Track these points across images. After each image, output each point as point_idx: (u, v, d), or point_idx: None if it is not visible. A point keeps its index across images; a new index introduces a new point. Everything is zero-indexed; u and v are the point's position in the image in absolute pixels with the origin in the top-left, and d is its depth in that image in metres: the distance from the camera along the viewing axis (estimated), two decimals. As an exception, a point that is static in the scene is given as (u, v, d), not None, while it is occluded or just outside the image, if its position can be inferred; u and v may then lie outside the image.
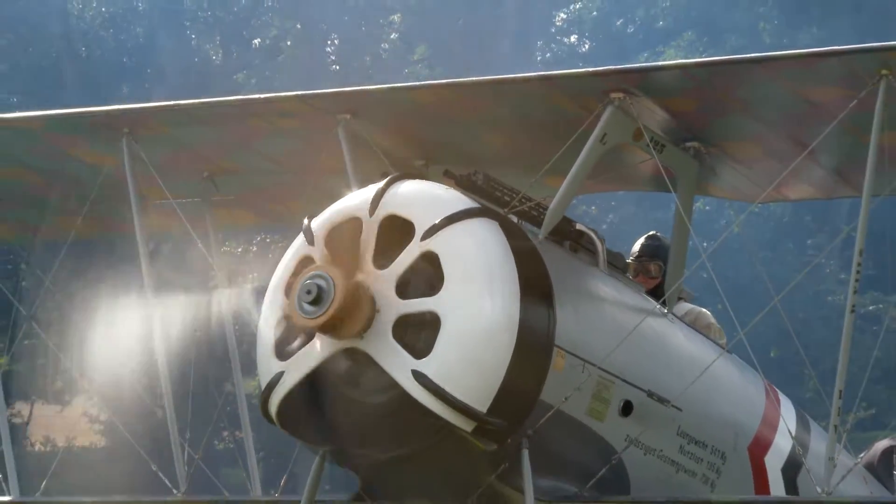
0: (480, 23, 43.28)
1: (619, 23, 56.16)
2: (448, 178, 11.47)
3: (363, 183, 11.62)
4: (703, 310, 13.20)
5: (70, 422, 48.49)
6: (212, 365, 13.39)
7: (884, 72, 11.25)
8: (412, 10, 44.24)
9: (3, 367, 14.82)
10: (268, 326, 11.36)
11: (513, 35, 45.63)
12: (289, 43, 47.55)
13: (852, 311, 11.74)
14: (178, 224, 13.33)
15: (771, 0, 49.10)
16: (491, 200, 11.46)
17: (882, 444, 15.36)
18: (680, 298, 12.96)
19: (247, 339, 12.55)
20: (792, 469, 12.87)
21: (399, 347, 10.85)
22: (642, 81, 12.01)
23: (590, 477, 11.54)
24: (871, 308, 45.55)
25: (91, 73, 47.18)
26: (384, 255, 11.01)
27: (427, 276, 10.95)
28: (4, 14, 49.36)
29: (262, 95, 12.81)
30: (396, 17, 51.22)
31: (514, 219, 11.48)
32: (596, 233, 12.29)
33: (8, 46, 48.37)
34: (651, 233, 13.86)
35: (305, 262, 11.12)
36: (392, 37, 48.36)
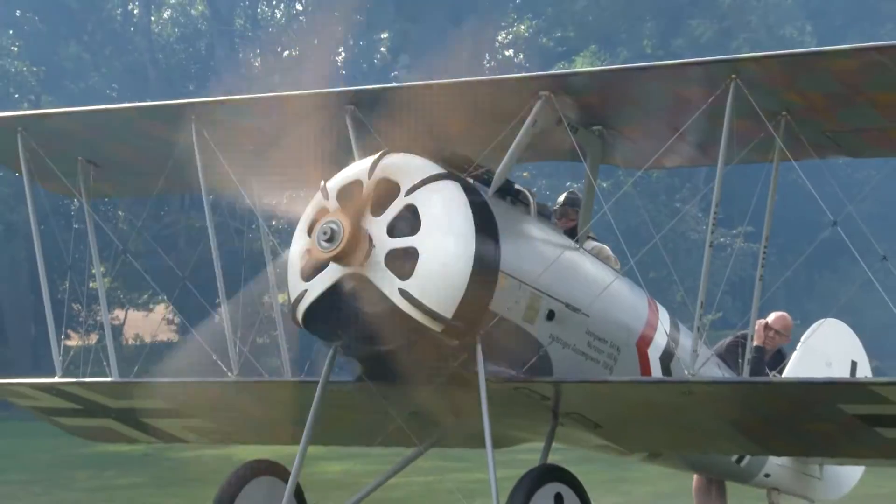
0: (445, 41, 43.14)
1: (542, 40, 55.94)
2: (425, 151, 11.46)
3: (364, 155, 11.64)
4: (605, 246, 13.20)
5: (153, 323, 48.47)
6: (255, 283, 13.33)
7: (732, 76, 11.28)
8: (396, 31, 44.06)
9: (106, 285, 14.71)
10: (295, 256, 11.37)
11: (468, 50, 45.47)
12: (309, 54, 47.44)
13: (711, 246, 11.80)
14: (231, 183, 13.30)
15: (650, 22, 48.93)
16: (455, 168, 11.45)
17: (727, 340, 15.44)
18: (588, 237, 12.96)
19: (279, 264, 12.52)
20: (667, 357, 12.91)
21: (389, 272, 10.88)
22: (562, 83, 12.04)
23: (524, 364, 11.56)
24: (721, 240, 45.89)
25: (167, 74, 46.94)
26: (378, 206, 11.04)
27: (409, 221, 10.98)
28: (106, 31, 49.09)
29: (291, 92, 12.77)
30: (385, 36, 51.14)
31: (471, 180, 11.47)
32: (529, 191, 12.30)
33: (108, 55, 48.15)
34: (571, 189, 13.83)
35: (322, 211, 11.12)
36: (382, 50, 48.14)
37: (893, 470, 18.92)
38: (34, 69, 43.31)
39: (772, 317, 15.91)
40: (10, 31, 44.88)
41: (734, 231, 41.29)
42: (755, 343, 15.03)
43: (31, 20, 48.12)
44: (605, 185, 12.63)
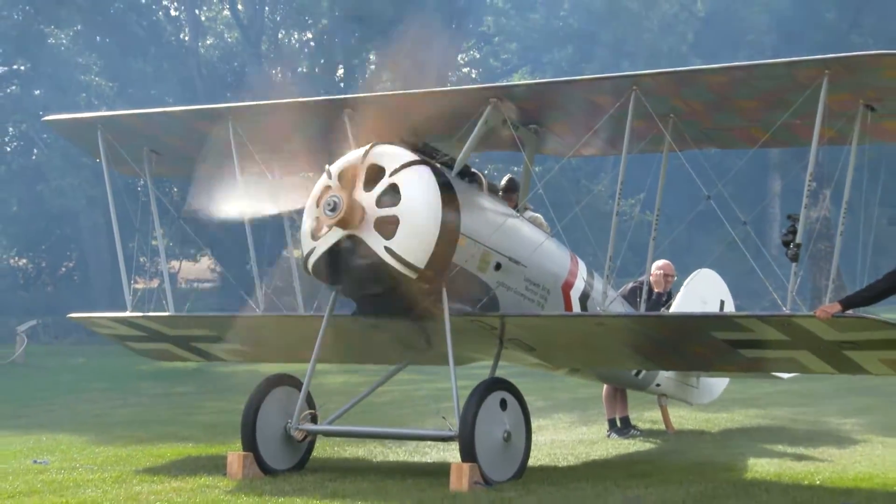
0: (420, 61, 42.80)
1: (491, 61, 55.74)
2: (404, 143, 11.40)
3: (358, 146, 11.53)
4: (538, 215, 13.15)
5: (200, 271, 48.31)
6: (277, 241, 13.31)
7: (633, 87, 11.25)
8: (382, 53, 43.75)
9: (165, 243, 14.63)
10: (307, 222, 11.30)
11: (435, 71, 45.09)
12: (316, 70, 47.10)
13: (617, 215, 11.79)
14: (258, 167, 13.20)
15: (570, 45, 48.78)
16: (427, 156, 11.39)
17: (629, 285, 15.43)
18: (526, 208, 12.92)
19: (295, 228, 12.44)
20: (584, 298, 12.89)
21: (377, 234, 10.84)
22: (507, 92, 11.99)
23: (478, 303, 11.54)
24: (624, 208, 45.85)
25: (210, 85, 46.49)
26: (369, 184, 10.98)
27: (392, 195, 10.94)
28: (164, 53, 48.68)
29: (303, 99, 12.66)
30: (373, 56, 50.95)
31: (438, 165, 11.41)
32: (481, 173, 12.28)
33: (166, 70, 47.67)
34: (511, 175, 13.72)
35: (326, 188, 11.06)
36: (371, 67, 47.93)
37: (750, 381, 19.07)
38: (110, 83, 42.96)
39: (661, 262, 15.86)
40: (93, 54, 44.43)
41: (632, 200, 41.18)
42: (651, 287, 15.06)
43: (108, 45, 47.60)
44: (538, 168, 12.63)
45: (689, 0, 45.94)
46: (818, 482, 11.25)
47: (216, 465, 12.17)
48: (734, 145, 12.77)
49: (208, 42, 52.90)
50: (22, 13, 40.60)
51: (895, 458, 12.81)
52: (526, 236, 12.22)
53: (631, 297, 14.79)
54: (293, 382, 12.16)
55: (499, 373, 12.00)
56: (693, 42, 45.54)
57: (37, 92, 40.31)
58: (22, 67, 41.46)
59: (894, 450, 13.53)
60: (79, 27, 44.79)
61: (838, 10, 48.80)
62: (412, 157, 11.16)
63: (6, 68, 41.95)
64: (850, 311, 10.14)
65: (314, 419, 12.18)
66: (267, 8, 52.02)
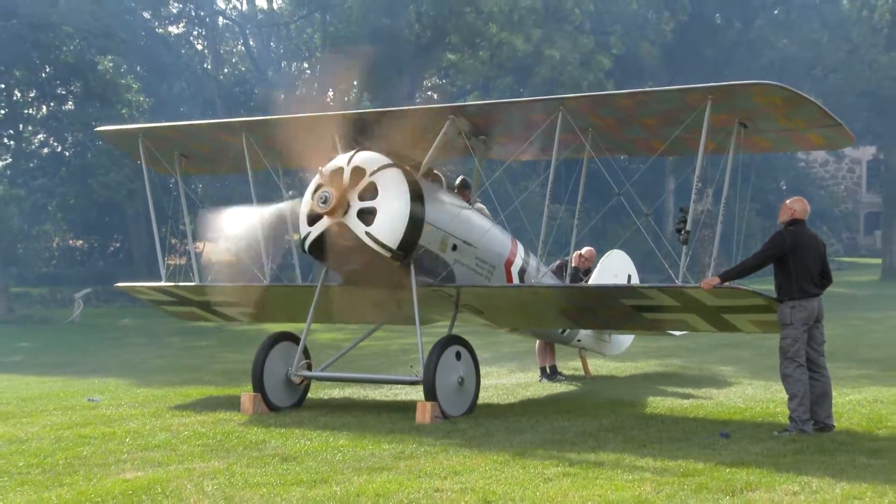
0: (393, 87, 42.51)
1: (448, 87, 55.52)
2: (381, 150, 11.32)
3: (345, 152, 11.44)
4: (484, 207, 13.11)
5: (218, 253, 47.84)
6: (280, 226, 13.14)
7: (560, 107, 11.22)
8: (363, 80, 43.41)
9: (192, 229, 14.51)
10: (304, 211, 11.23)
11: (405, 93, 44.80)
12: (314, 93, 46.78)
13: (548, 207, 11.78)
14: (264, 167, 13.08)
15: (508, 77, 48.37)
16: (399, 160, 11.32)
17: (557, 262, 15.42)
18: (476, 202, 12.87)
19: (294, 217, 12.31)
20: (522, 272, 12.88)
21: (359, 222, 10.79)
22: (462, 110, 11.93)
23: (439, 276, 11.53)
24: (553, 207, 45.61)
25: (227, 104, 45.94)
26: (353, 182, 10.92)
27: (371, 191, 10.88)
28: (190, 78, 48.09)
29: (300, 115, 12.54)
30: (356, 83, 50.62)
31: (408, 167, 11.35)
32: (442, 174, 12.22)
33: (192, 92, 47.13)
34: (464, 176, 13.64)
35: (320, 185, 10.98)
36: (353, 92, 47.69)
37: (650, 337, 19.18)
38: (147, 100, 42.36)
39: (584, 249, 15.92)
40: (132, 76, 43.80)
41: (561, 207, 41.02)
42: (573, 265, 15.09)
43: (146, 72, 47.09)
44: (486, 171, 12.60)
45: (604, 41, 45.75)
46: (702, 415, 11.34)
47: (232, 403, 12.11)
48: (638, 153, 12.80)
49: (226, 70, 52.40)
50: (77, 45, 40.06)
51: (761, 397, 12.94)
52: (476, 224, 12.19)
53: (559, 271, 14.81)
54: (293, 338, 12.11)
55: (455, 331, 12.00)
56: (607, 73, 45.38)
57: (91, 110, 39.73)
58: (77, 88, 40.90)
59: (761, 390, 13.67)
60: (122, 57, 44.14)
61: (716, 49, 49.06)
62: (387, 161, 11.10)
63: (65, 89, 41.43)
64: (727, 283, 10.21)
65: (309, 367, 12.13)
66: (272, 44, 51.71)
